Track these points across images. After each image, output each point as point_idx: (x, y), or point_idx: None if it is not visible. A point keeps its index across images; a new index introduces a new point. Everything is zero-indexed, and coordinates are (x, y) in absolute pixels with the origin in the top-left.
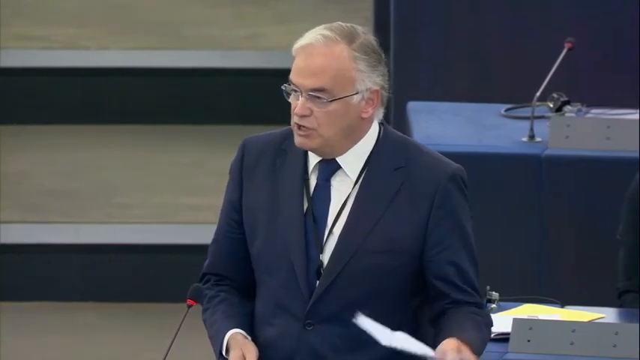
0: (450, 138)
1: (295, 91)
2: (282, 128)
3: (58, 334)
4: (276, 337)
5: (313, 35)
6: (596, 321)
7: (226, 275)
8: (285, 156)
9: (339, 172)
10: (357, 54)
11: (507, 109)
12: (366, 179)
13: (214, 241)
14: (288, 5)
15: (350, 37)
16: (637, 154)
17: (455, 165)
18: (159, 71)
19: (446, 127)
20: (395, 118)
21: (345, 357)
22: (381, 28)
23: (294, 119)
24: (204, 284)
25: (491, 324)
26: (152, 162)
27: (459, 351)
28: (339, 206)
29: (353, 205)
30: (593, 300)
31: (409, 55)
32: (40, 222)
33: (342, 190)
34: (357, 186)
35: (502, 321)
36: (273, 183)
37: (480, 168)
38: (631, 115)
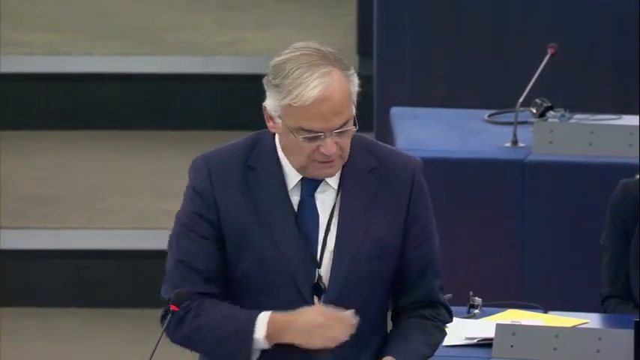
0: (433, 143)
1: (317, 137)
2: (237, 140)
3: (38, 340)
4: (283, 355)
5: (318, 80)
6: (580, 326)
7: (207, 292)
8: (255, 173)
9: (321, 184)
10: (346, 72)
11: (490, 115)
12: (346, 186)
13: (183, 262)
14: (270, 11)
15: (333, 59)
16: (619, 160)
17: (416, 158)
18: (140, 77)
19: (429, 132)
20: (378, 124)
21: None
22: (364, 33)
23: (322, 158)
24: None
25: (444, 321)
26: (133, 167)
27: None
28: (327, 218)
29: (340, 214)
30: (577, 305)
31: (393, 61)
32: (20, 227)
33: (327, 201)
34: (340, 195)
35: (485, 326)
36: (253, 203)
37: (464, 173)
38: (614, 120)
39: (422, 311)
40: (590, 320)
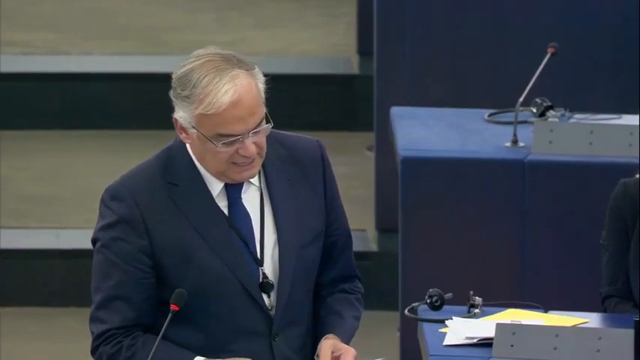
0: (433, 143)
1: (236, 140)
2: (147, 161)
3: (38, 340)
4: None
5: (229, 85)
6: (580, 326)
7: (139, 323)
8: (177, 189)
9: (245, 184)
10: (252, 71)
11: (490, 114)
12: (268, 180)
13: (115, 296)
14: (270, 11)
15: (236, 62)
16: (619, 160)
17: (317, 139)
18: (140, 76)
19: (429, 132)
20: (378, 124)
21: (305, 353)
22: (364, 33)
23: (241, 160)
24: (105, 342)
25: (362, 292)
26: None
27: (335, 349)
28: (259, 216)
29: (271, 210)
30: (577, 305)
31: (392, 61)
32: (20, 227)
33: (254, 200)
34: (264, 191)
35: (485, 326)
36: (184, 219)
37: (464, 173)
38: (614, 120)
39: (342, 285)
40: (590, 320)
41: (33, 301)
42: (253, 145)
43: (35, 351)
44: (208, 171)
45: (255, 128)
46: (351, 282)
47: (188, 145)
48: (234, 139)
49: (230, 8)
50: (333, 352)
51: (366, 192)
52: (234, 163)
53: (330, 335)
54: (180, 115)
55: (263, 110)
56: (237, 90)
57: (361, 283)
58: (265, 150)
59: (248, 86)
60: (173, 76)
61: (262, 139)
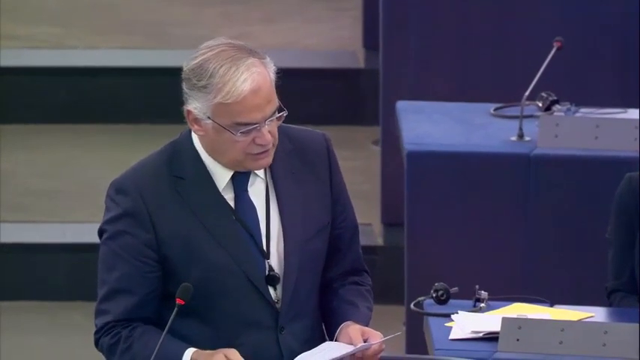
0: (438, 137)
1: (251, 129)
2: (152, 155)
3: (44, 334)
4: (250, 354)
5: (246, 73)
6: (586, 320)
7: (142, 317)
8: (183, 182)
9: (251, 177)
10: (264, 60)
11: (496, 109)
12: (274, 173)
13: (118, 289)
14: (275, 5)
15: (248, 50)
16: (625, 154)
17: (322, 132)
18: (145, 71)
19: (435, 126)
20: (384, 118)
21: (311, 346)
22: (370, 27)
23: (258, 149)
24: (106, 334)
25: (371, 285)
26: None
27: (363, 333)
28: (264, 209)
29: (276, 202)
30: (583, 299)
31: (398, 55)
32: (25, 221)
33: (259, 192)
34: (270, 183)
35: (491, 320)
36: (190, 212)
37: (469, 167)
38: (619, 114)
39: (352, 278)
40: (595, 314)
41: (37, 295)
42: (269, 132)
43: (39, 345)
44: (222, 163)
45: (272, 116)
46: (359, 275)
47: (195, 139)
48: (252, 127)
49: (235, 2)
50: (361, 336)
51: (371, 186)
52: (250, 153)
53: (349, 322)
54: (195, 106)
55: (277, 99)
56: (255, 78)
57: (370, 277)
58: (277, 139)
59: (263, 74)
60: (185, 69)
61: (275, 128)
